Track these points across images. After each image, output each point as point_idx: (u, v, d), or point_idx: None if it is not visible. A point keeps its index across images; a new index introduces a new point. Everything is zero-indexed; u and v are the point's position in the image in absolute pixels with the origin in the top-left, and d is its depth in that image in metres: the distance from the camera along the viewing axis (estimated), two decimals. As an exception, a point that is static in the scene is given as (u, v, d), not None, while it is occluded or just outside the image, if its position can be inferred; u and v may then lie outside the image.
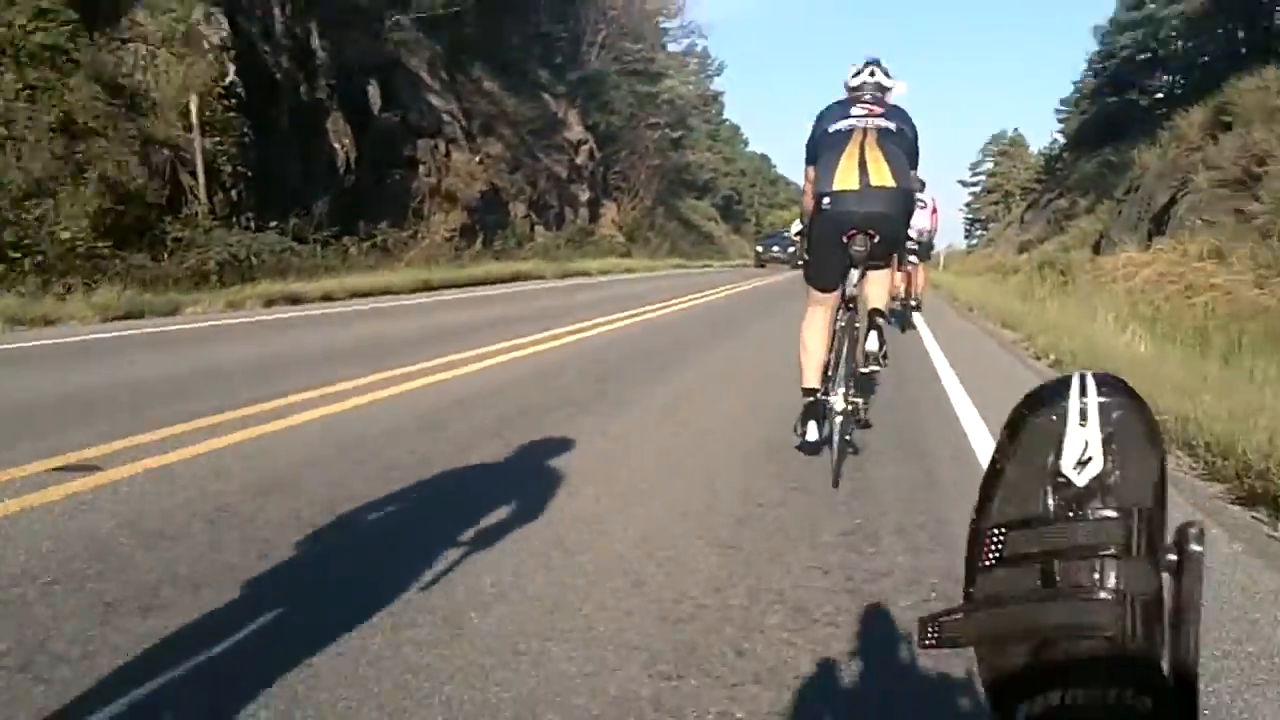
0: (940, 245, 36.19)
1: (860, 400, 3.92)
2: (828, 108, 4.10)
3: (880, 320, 4.11)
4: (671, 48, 53.00)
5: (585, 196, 36.60)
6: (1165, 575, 0.50)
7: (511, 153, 29.99)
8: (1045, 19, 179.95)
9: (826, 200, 3.83)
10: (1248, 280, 10.87)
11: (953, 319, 13.08)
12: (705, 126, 67.95)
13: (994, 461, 0.54)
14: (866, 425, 4.39)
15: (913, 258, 10.83)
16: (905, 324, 10.34)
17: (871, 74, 4.14)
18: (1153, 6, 35.89)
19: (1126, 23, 37.60)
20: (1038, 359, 7.99)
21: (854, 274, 3.98)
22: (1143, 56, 36.84)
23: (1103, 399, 0.52)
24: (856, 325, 4.08)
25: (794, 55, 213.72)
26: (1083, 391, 0.52)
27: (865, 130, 3.89)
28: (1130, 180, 21.83)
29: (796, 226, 8.52)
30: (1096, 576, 0.49)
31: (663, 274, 27.66)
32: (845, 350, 3.95)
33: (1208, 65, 30.50)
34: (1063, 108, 50.97)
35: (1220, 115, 17.10)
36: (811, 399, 4.00)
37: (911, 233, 10.01)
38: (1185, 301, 11.54)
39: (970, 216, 75.78)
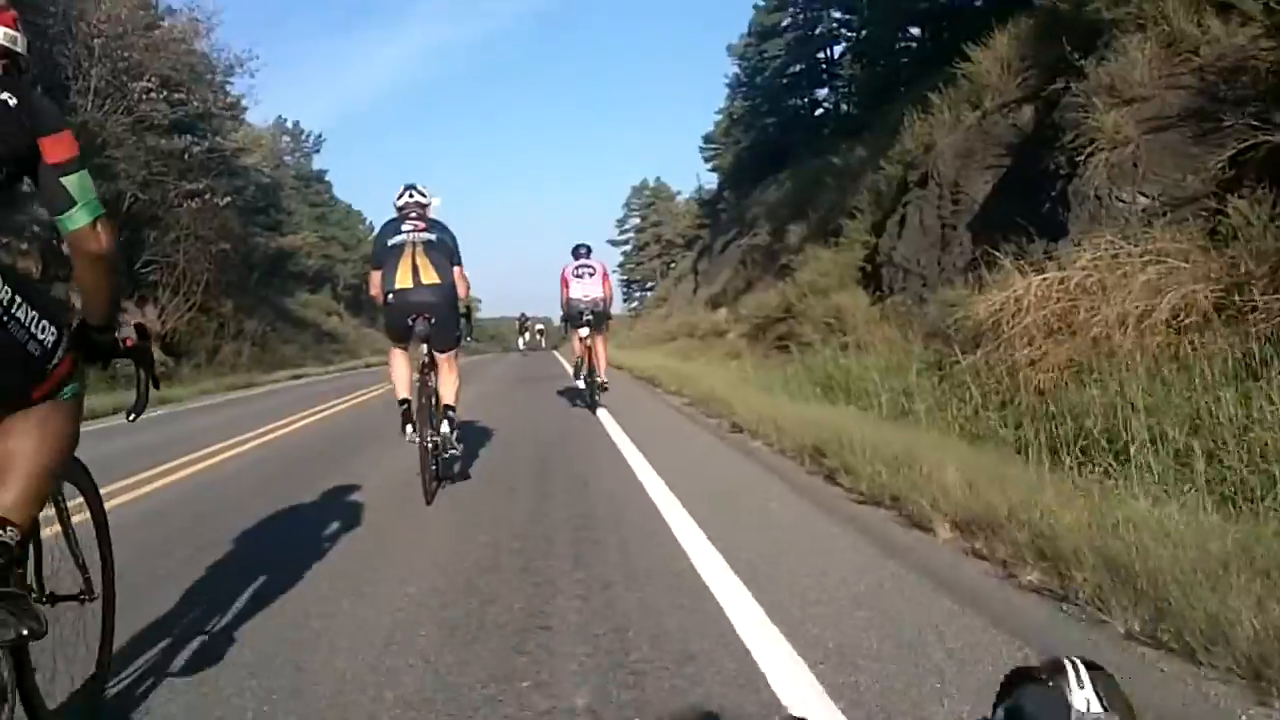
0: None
1: (440, 437, 5.53)
2: (385, 224, 5.84)
3: (451, 414, 5.73)
4: (252, 119, 40.85)
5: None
6: None
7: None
8: (668, 52, 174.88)
9: (391, 296, 5.55)
10: None
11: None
12: (309, 209, 56.70)
13: None
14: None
15: (584, 330, 10.30)
16: (592, 404, 10.15)
17: (411, 195, 5.81)
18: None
19: (770, 29, 32.46)
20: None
21: (424, 346, 5.63)
22: (796, 67, 31.75)
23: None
24: (430, 383, 5.61)
25: (414, 123, 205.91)
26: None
27: (414, 244, 5.57)
28: (888, 177, 14.49)
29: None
30: None
31: (167, 412, 13.74)
32: (424, 401, 5.47)
33: (902, 50, 25.21)
34: (708, 145, 46.20)
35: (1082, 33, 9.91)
36: (405, 405, 5.72)
37: (585, 304, 10.25)
38: None
39: (626, 278, 69.97)
